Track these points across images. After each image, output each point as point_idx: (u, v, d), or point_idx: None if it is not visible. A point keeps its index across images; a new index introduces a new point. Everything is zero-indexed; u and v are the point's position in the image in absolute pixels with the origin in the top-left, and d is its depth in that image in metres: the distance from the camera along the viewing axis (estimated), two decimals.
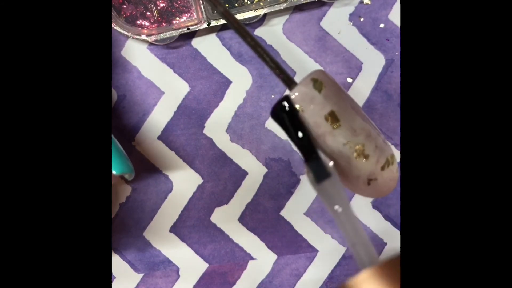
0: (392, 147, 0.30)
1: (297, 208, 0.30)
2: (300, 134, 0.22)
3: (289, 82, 0.23)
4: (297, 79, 0.29)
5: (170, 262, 0.30)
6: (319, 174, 0.21)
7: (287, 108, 0.22)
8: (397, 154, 0.30)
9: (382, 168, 0.23)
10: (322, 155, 0.22)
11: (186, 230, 0.30)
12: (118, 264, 0.30)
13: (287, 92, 0.23)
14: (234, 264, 0.30)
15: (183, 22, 0.29)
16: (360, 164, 0.23)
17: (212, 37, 0.30)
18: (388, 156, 0.23)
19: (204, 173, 0.30)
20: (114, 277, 0.30)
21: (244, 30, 0.24)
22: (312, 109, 0.22)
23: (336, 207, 0.21)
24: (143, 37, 0.28)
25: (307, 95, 0.22)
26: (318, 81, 0.22)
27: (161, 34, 0.28)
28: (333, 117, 0.22)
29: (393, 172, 0.24)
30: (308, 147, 0.22)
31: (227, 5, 0.28)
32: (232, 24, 0.24)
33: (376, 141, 0.23)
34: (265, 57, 0.24)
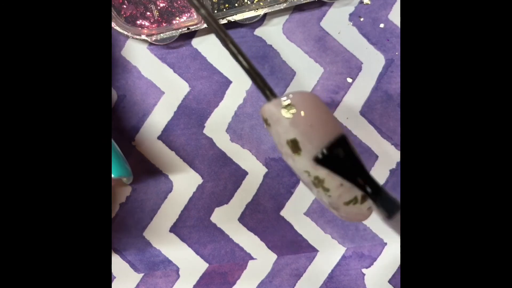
0: (391, 147, 0.30)
1: (297, 208, 0.30)
2: (360, 175, 0.21)
3: (269, 97, 0.22)
4: (297, 79, 0.29)
5: (170, 262, 0.30)
6: (390, 209, 0.21)
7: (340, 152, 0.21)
8: (397, 154, 0.30)
9: (347, 204, 0.22)
10: (386, 189, 0.21)
11: (186, 230, 0.30)
12: (118, 264, 0.30)
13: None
14: (234, 264, 0.30)
15: (183, 22, 0.29)
16: (319, 193, 0.22)
17: (212, 37, 0.30)
18: (358, 195, 0.21)
19: (204, 173, 0.30)
20: (114, 277, 0.30)
21: (226, 36, 0.23)
22: (277, 130, 0.21)
23: None
24: (143, 37, 0.28)
25: (274, 115, 0.21)
26: (290, 106, 0.21)
27: (161, 34, 0.28)
28: (294, 145, 0.21)
29: (361, 209, 0.22)
30: (373, 184, 0.21)
31: (227, 5, 0.28)
32: (215, 30, 0.23)
33: (343, 179, 0.21)
34: (246, 66, 0.22)
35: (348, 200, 0.21)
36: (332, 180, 0.21)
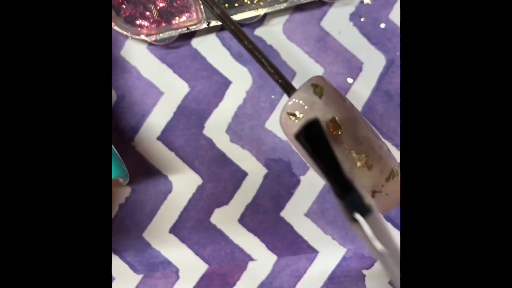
0: (392, 148, 0.29)
1: (297, 209, 0.30)
2: (330, 163, 0.18)
3: (288, 88, 0.23)
4: (297, 79, 0.29)
5: (169, 263, 0.30)
6: (357, 211, 0.17)
7: (314, 134, 0.18)
8: (398, 155, 0.30)
9: (387, 180, 0.22)
10: (358, 187, 0.18)
11: (185, 231, 0.30)
12: (117, 265, 0.30)
13: (288, 98, 0.22)
14: (234, 265, 0.30)
15: (182, 22, 0.28)
16: (364, 174, 0.22)
17: (212, 37, 0.29)
18: (393, 167, 0.22)
19: (203, 174, 0.30)
20: (114, 278, 0.30)
21: (241, 33, 0.23)
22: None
23: (380, 247, 0.17)
24: (142, 37, 0.28)
25: (307, 101, 0.22)
26: (318, 87, 0.22)
27: (161, 34, 0.28)
28: (334, 124, 0.21)
29: (399, 184, 0.23)
30: (341, 178, 0.17)
31: (226, 5, 0.28)
32: (229, 27, 0.23)
33: (380, 151, 0.22)
34: (263, 61, 0.23)
35: (388, 174, 0.22)
36: (373, 153, 0.22)
